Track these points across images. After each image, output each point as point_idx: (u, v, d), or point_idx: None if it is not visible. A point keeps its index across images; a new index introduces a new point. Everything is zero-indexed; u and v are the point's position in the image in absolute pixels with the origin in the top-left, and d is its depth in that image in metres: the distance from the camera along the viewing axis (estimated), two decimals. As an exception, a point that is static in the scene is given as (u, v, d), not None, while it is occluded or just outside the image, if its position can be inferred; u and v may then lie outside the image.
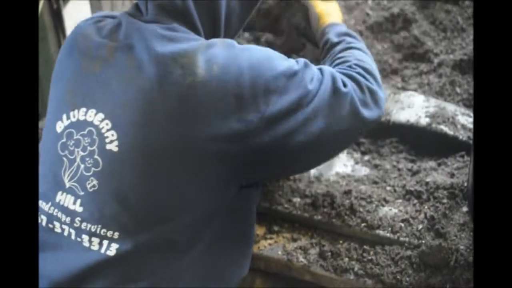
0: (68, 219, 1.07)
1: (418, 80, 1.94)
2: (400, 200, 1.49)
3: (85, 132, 1.07)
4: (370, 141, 1.75)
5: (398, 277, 1.32)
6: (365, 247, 1.39)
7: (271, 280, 1.46)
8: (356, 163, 1.68)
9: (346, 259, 1.37)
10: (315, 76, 1.11)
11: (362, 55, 1.27)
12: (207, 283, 1.12)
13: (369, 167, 1.66)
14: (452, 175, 1.53)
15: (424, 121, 1.68)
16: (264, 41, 1.88)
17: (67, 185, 1.07)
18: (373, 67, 1.26)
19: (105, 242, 1.04)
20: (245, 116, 1.03)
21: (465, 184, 1.46)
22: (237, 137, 1.03)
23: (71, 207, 1.07)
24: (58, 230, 1.09)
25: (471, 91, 1.83)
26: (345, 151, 1.70)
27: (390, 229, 1.40)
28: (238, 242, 1.16)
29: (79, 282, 1.04)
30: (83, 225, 1.06)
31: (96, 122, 1.06)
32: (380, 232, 1.40)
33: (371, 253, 1.38)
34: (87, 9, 2.13)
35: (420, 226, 1.39)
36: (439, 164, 1.61)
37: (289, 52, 1.65)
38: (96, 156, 1.05)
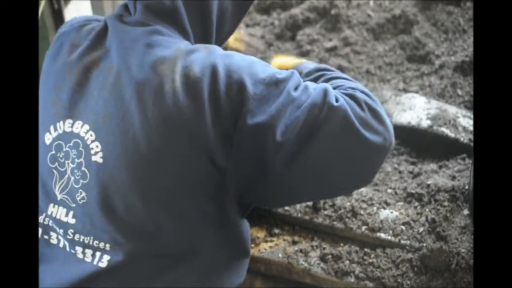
0: (61, 231, 1.06)
1: (419, 82, 1.93)
2: (401, 203, 1.49)
3: (71, 144, 1.05)
4: (371, 143, 1.75)
5: (399, 280, 1.31)
6: (366, 250, 1.38)
7: (271, 282, 1.45)
8: (357, 165, 1.68)
9: (347, 262, 1.36)
10: (301, 86, 1.03)
11: (352, 83, 1.14)
12: None
13: (370, 169, 1.65)
14: (453, 178, 1.53)
15: (425, 123, 1.67)
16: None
17: (59, 197, 1.06)
18: (370, 93, 1.12)
19: (98, 254, 1.03)
20: (223, 125, 0.99)
21: (466, 187, 1.46)
22: (218, 147, 0.99)
23: (64, 219, 1.06)
24: (54, 241, 1.08)
25: (473, 93, 1.83)
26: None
27: (391, 232, 1.40)
28: (233, 251, 1.14)
29: None
30: (76, 236, 1.05)
31: (82, 134, 1.05)
32: (381, 235, 1.40)
33: (372, 256, 1.37)
34: (88, 9, 2.12)
35: (421, 229, 1.39)
36: (440, 167, 1.61)
37: None
38: (83, 168, 1.04)
